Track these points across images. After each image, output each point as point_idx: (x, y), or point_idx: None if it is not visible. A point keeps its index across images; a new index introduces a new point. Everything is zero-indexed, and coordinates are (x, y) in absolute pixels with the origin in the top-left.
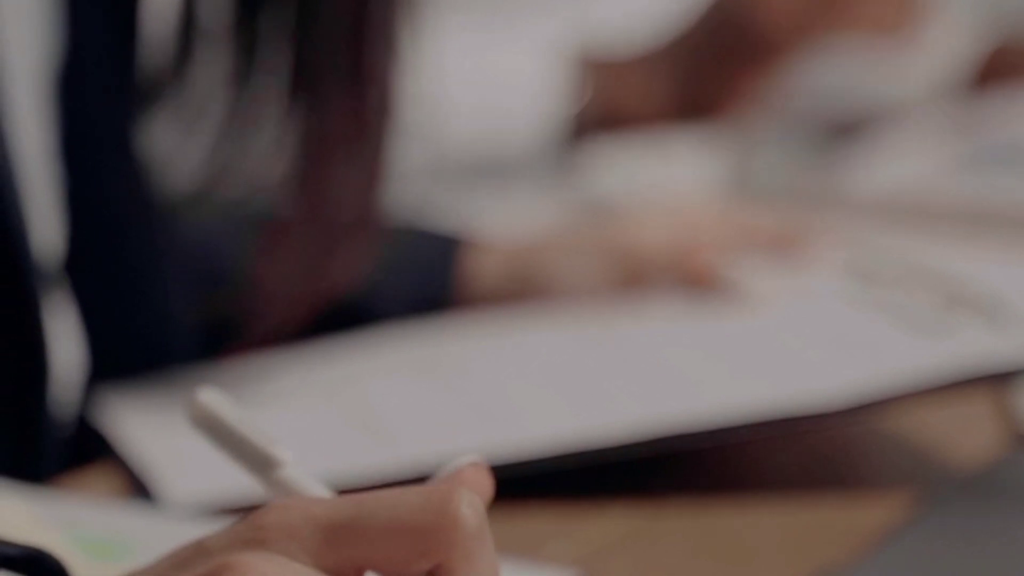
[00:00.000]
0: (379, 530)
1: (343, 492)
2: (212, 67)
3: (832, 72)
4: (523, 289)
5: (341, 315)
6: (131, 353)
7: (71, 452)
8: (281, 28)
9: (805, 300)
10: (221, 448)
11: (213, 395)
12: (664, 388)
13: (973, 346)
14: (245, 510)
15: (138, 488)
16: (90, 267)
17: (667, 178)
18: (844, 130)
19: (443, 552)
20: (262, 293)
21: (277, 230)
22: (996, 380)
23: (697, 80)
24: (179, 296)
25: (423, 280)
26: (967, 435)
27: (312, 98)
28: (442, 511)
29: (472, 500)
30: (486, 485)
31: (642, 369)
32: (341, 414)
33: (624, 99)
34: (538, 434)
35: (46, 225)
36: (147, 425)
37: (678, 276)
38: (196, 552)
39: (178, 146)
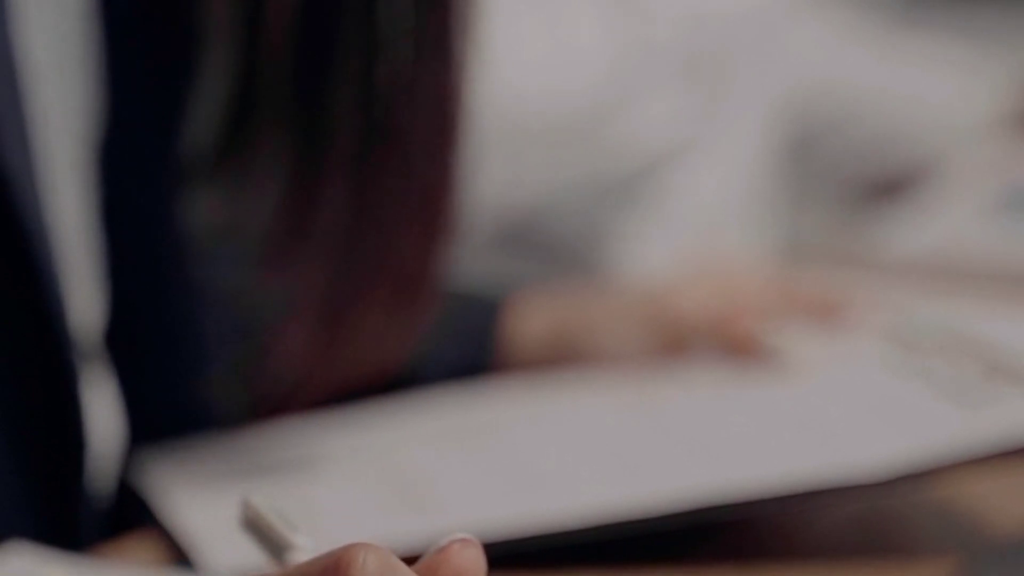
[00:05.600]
0: None
1: None
2: (271, 143)
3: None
4: (565, 354)
5: (383, 379)
6: (172, 421)
7: (111, 522)
8: (343, 104)
9: (846, 368)
10: (259, 543)
11: (261, 498)
12: (704, 457)
13: (1014, 416)
14: None
15: (179, 556)
16: (130, 338)
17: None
18: (885, 188)
19: None
20: (284, 358)
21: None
22: None
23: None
24: (219, 362)
25: (465, 345)
26: (1010, 502)
27: (368, 172)
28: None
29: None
30: (474, 561)
31: (682, 437)
32: (382, 480)
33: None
34: (579, 504)
35: (85, 297)
36: (188, 492)
37: (719, 343)
38: None
39: (232, 220)
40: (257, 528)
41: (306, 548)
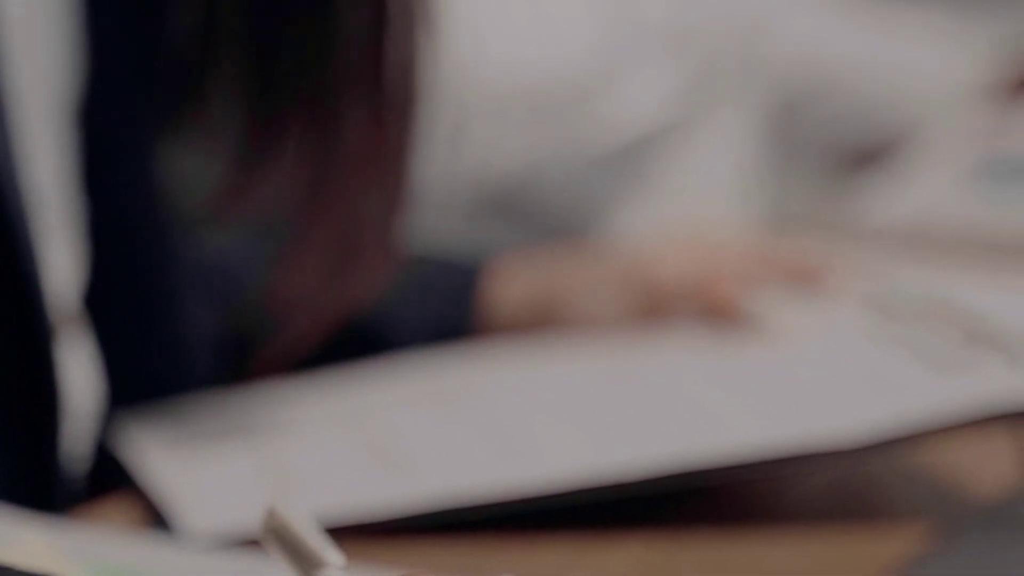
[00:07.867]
0: None
1: (360, 525)
2: (230, 89)
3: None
4: (543, 319)
5: (360, 342)
6: (152, 381)
7: (89, 484)
8: (299, 49)
9: (825, 334)
10: (283, 553)
11: (285, 505)
12: (683, 422)
13: (992, 384)
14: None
15: (157, 519)
16: (109, 299)
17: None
18: (867, 156)
19: None
20: (279, 307)
21: (296, 245)
22: (1015, 418)
23: None
24: (199, 321)
25: (444, 308)
26: (984, 468)
27: (330, 118)
28: None
29: None
30: None
31: (661, 402)
32: (360, 444)
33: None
34: (558, 468)
35: (63, 259)
36: (167, 455)
37: (699, 307)
38: None
39: (196, 168)
40: (282, 539)
41: (338, 565)
